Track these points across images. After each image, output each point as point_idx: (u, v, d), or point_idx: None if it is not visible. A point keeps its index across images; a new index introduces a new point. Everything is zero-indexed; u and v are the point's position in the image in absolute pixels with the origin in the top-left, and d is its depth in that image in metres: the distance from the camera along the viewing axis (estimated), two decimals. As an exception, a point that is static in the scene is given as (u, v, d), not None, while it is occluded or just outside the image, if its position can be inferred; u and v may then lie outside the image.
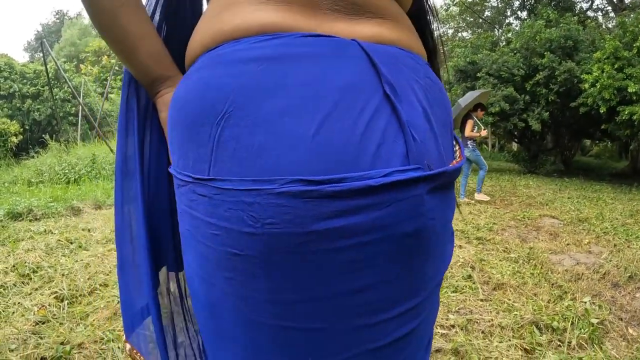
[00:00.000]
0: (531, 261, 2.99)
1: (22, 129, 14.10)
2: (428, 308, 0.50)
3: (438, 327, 1.97)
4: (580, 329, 1.95)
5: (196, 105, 0.43)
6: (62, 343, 1.70)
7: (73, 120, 15.36)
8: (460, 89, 9.68)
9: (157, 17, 0.58)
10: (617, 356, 1.78)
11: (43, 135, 11.16)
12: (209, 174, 0.41)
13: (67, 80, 10.00)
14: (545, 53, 8.49)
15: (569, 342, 1.86)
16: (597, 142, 15.91)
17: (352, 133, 0.40)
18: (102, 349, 1.69)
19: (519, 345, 1.82)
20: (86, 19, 40.41)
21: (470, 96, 5.52)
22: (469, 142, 5.38)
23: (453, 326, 1.98)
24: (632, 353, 1.81)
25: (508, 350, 1.78)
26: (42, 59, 11.22)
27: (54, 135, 11.57)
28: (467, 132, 5.31)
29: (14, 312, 1.98)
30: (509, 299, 2.30)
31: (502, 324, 2.00)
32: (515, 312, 2.12)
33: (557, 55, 8.54)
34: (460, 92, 9.59)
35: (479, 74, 9.22)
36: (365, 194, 0.39)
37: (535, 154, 10.16)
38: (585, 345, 1.84)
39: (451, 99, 8.33)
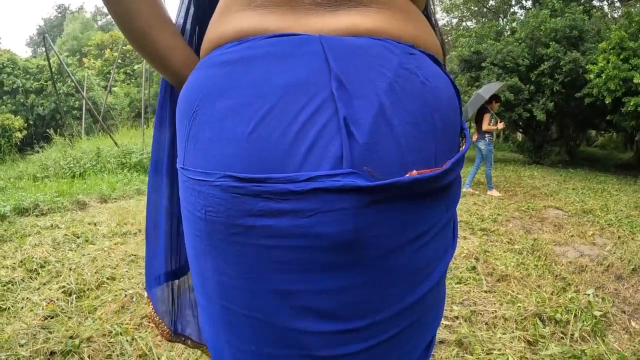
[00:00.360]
0: (535, 252, 3.00)
1: (26, 124, 14.20)
2: (401, 326, 0.44)
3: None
4: (583, 321, 1.96)
5: (181, 104, 0.49)
6: (71, 337, 1.73)
7: (77, 114, 15.46)
8: (465, 79, 9.62)
9: (188, 27, 0.65)
10: (619, 349, 1.79)
11: (47, 130, 11.23)
12: (183, 164, 0.47)
13: (70, 74, 9.99)
14: (550, 43, 8.41)
15: (572, 335, 1.87)
16: (602, 132, 15.79)
17: (286, 132, 0.39)
18: (110, 342, 1.71)
19: (522, 337, 1.83)
20: (88, 13, 40.34)
21: (489, 88, 5.47)
22: (486, 135, 5.36)
23: (457, 317, 2.00)
24: (635, 346, 1.82)
25: (511, 342, 1.80)
26: (45, 53, 11.21)
27: (58, 130, 11.63)
28: (485, 125, 5.28)
29: (22, 307, 2.01)
30: (513, 291, 2.31)
31: (505, 316, 2.01)
32: (519, 304, 2.13)
33: (562, 45, 8.46)
34: (464, 82, 9.54)
35: (483, 64, 9.15)
36: (285, 198, 0.38)
37: (540, 144, 10.11)
38: (588, 338, 1.85)
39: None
